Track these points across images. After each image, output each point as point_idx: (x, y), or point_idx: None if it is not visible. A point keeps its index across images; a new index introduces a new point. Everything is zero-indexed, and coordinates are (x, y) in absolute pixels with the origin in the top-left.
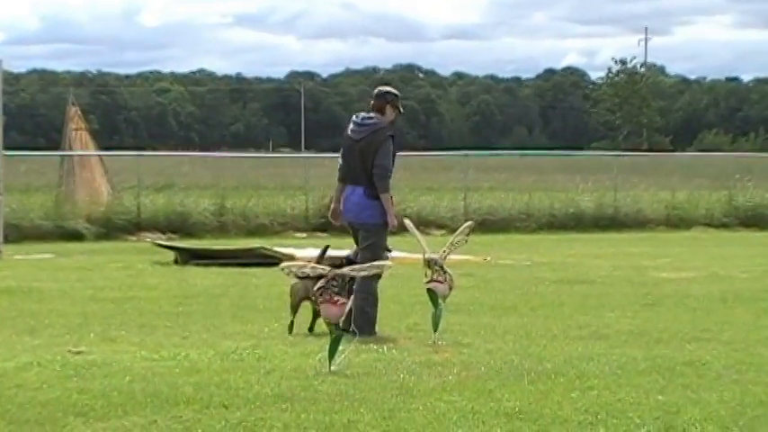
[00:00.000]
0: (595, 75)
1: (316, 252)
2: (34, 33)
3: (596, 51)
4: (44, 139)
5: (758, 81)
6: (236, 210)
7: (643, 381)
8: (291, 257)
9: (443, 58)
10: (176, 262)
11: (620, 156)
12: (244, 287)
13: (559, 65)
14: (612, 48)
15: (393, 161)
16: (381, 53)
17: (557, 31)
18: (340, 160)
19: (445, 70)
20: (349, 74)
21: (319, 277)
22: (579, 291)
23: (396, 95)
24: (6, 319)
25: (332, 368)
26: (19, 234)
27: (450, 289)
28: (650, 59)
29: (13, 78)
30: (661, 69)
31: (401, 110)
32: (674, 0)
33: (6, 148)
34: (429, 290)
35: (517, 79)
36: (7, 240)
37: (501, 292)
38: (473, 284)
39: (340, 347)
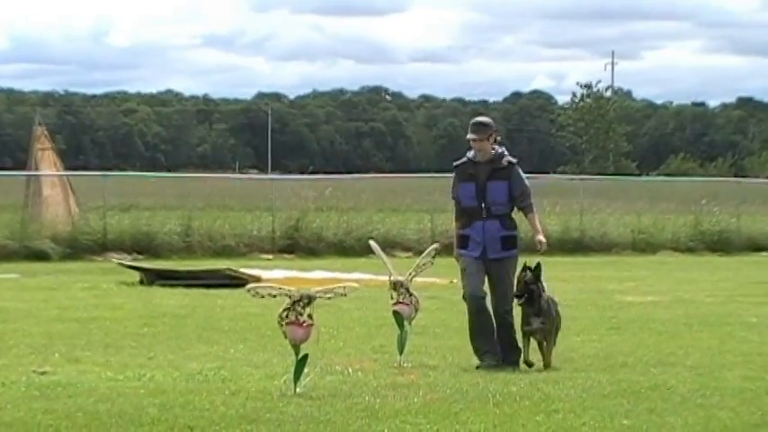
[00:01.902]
0: (563, 98)
1: (283, 273)
2: (2, 53)
3: (565, 75)
4: (10, 159)
5: (725, 106)
6: (203, 230)
7: (608, 404)
8: (258, 279)
9: (411, 80)
10: (142, 282)
11: (585, 179)
12: (209, 308)
13: (528, 88)
14: (581, 72)
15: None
16: (349, 75)
17: (525, 55)
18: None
19: (413, 93)
20: (316, 95)
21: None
22: None
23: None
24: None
25: (297, 390)
26: None
27: (416, 311)
28: (617, 84)
29: None
30: (628, 94)
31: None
32: (643, 25)
33: None
34: (395, 312)
35: (484, 102)
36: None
37: (467, 315)
38: (439, 307)
39: (305, 369)
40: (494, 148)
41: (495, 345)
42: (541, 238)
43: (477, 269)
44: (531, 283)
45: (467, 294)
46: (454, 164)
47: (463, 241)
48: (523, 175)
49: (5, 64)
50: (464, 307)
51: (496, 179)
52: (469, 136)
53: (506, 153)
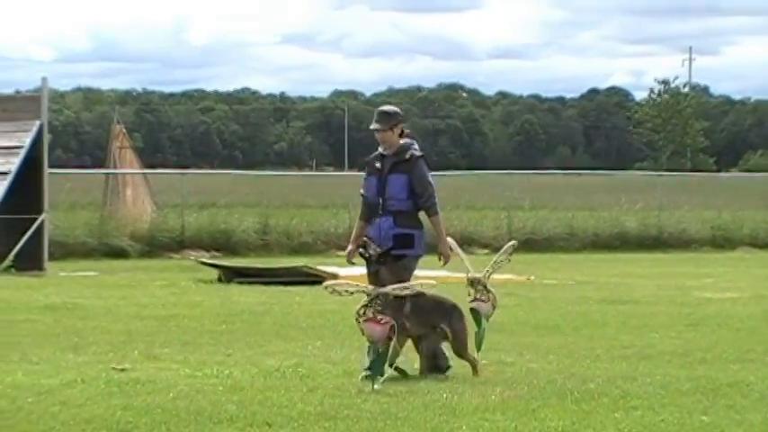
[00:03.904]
0: (641, 95)
1: (359, 271)
2: (82, 52)
3: (643, 71)
4: (89, 157)
5: None
6: (280, 228)
7: (686, 401)
8: (335, 276)
9: (488, 77)
10: (220, 280)
11: (663, 176)
12: (287, 305)
13: (605, 84)
14: (659, 67)
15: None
16: (426, 72)
17: (603, 51)
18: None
19: (489, 90)
20: (392, 93)
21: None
22: (623, 310)
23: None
24: (51, 336)
25: (375, 386)
26: (64, 251)
27: (494, 308)
28: (695, 80)
29: (58, 96)
30: (705, 89)
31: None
32: (721, 20)
33: (52, 165)
34: (472, 309)
35: (561, 99)
36: (52, 257)
37: (544, 312)
38: (516, 304)
39: (383, 366)
40: (402, 140)
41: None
42: (444, 249)
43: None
44: (383, 255)
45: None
46: (365, 159)
47: (365, 243)
48: (428, 172)
49: (85, 63)
50: (543, 303)
51: (397, 172)
52: (372, 126)
53: (414, 146)
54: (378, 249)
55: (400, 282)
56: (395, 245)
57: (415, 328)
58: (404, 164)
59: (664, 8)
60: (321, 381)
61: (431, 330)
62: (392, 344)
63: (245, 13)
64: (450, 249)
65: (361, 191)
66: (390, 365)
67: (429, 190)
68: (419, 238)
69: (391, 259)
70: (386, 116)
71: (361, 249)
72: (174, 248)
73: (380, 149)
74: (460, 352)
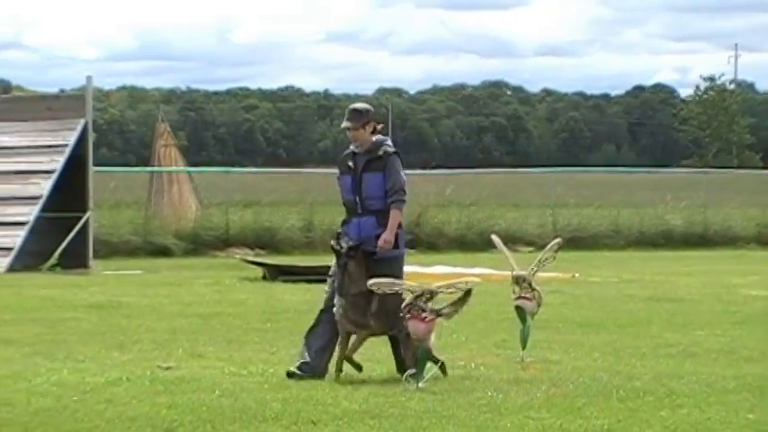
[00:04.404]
0: (686, 92)
1: (404, 268)
2: (127, 50)
3: (689, 68)
4: (133, 156)
5: None
6: (324, 226)
7: (733, 399)
8: None
9: (533, 74)
10: (264, 278)
11: (709, 173)
12: None
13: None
14: (705, 64)
15: None
16: (471, 70)
17: (649, 48)
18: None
19: (534, 87)
20: (436, 90)
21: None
22: (668, 308)
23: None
24: (96, 335)
25: (420, 385)
26: (108, 250)
27: (539, 306)
28: (741, 76)
29: (103, 95)
30: (751, 86)
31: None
32: None
33: (96, 164)
34: (517, 307)
35: (606, 96)
36: (97, 256)
37: (589, 310)
38: (561, 301)
39: (428, 364)
40: (374, 138)
41: (320, 354)
42: (387, 237)
43: None
44: (353, 249)
45: (325, 303)
46: (339, 157)
47: (339, 234)
48: (400, 168)
49: (129, 61)
50: (587, 301)
51: (372, 170)
52: (343, 124)
53: (387, 142)
54: (349, 243)
55: (364, 274)
56: (378, 251)
57: (378, 328)
58: (377, 161)
59: (709, 5)
60: (366, 379)
61: (395, 332)
62: (353, 340)
63: (289, 12)
64: (494, 247)
65: (340, 191)
66: (348, 360)
67: (398, 186)
68: (401, 237)
69: (361, 254)
70: (357, 114)
71: (332, 242)
72: (218, 246)
73: (352, 147)
74: (406, 353)
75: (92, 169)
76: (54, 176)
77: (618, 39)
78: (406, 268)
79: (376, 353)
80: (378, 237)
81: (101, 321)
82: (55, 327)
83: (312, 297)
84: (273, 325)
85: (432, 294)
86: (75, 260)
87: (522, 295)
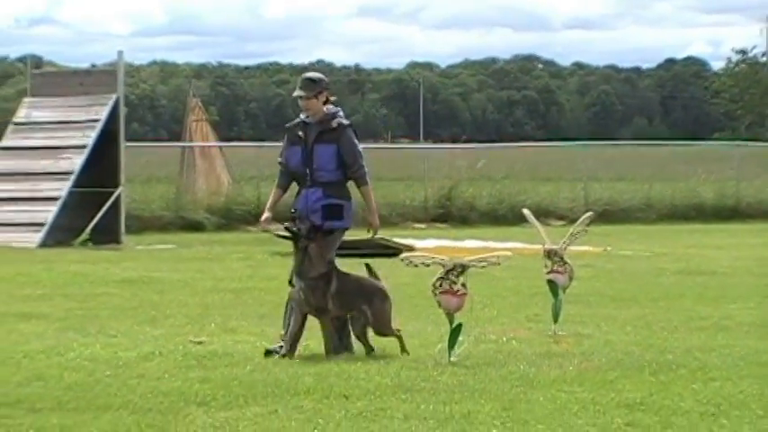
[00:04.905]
0: (718, 65)
1: (435, 243)
2: (158, 25)
3: (721, 41)
4: (165, 131)
5: None
6: (356, 199)
7: (765, 372)
8: (411, 248)
9: (564, 48)
10: None
11: (741, 146)
12: None
13: (682, 54)
14: (738, 37)
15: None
16: (503, 44)
17: (681, 21)
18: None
19: (565, 60)
20: (467, 64)
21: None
22: (700, 282)
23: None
24: (128, 310)
25: (451, 359)
26: (140, 225)
27: (571, 280)
28: None
29: (134, 70)
30: None
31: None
32: None
33: (128, 139)
34: (549, 281)
35: (637, 69)
36: (129, 231)
37: (621, 283)
38: (593, 275)
39: (460, 338)
40: (326, 108)
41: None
42: (374, 219)
43: None
44: (313, 231)
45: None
46: (286, 125)
47: (292, 215)
48: (356, 140)
49: (160, 36)
50: (619, 275)
51: (324, 142)
52: (296, 93)
53: (340, 114)
54: (306, 224)
55: (324, 255)
56: (324, 215)
57: (336, 310)
58: (330, 133)
59: None
60: (398, 353)
61: (354, 312)
62: (328, 329)
63: None
64: (526, 221)
65: (280, 159)
66: (333, 350)
67: (359, 160)
68: (348, 209)
69: (321, 235)
70: (310, 83)
71: (287, 224)
72: (250, 221)
73: (302, 116)
74: (383, 331)
75: (123, 144)
76: (86, 152)
77: (649, 11)
78: (438, 242)
79: (409, 327)
80: (324, 207)
81: (133, 296)
82: (87, 302)
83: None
84: None
85: (463, 268)
86: (106, 235)
87: (554, 269)
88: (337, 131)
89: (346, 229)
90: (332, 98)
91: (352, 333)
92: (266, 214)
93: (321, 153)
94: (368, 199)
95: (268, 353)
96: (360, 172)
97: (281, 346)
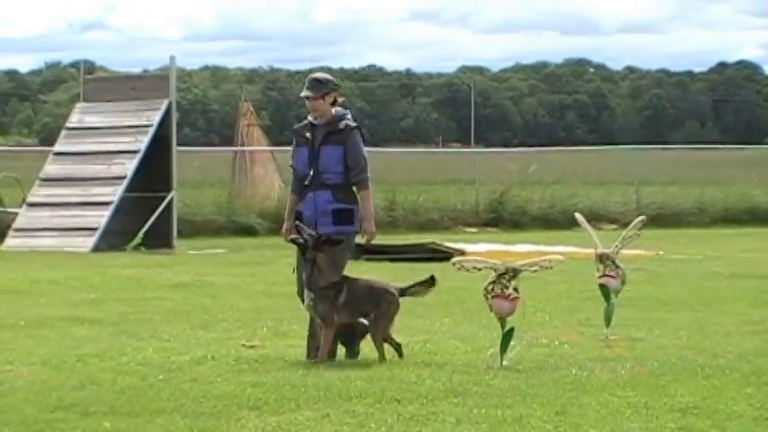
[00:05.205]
0: None
1: (487, 247)
2: (210, 31)
3: None
4: (216, 135)
5: None
6: (407, 205)
7: None
8: (462, 252)
9: (617, 52)
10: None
11: None
12: None
13: (734, 58)
14: None
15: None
16: (553, 47)
17: (733, 24)
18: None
19: (617, 64)
20: (519, 68)
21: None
22: (753, 286)
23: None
24: (180, 314)
25: (503, 363)
26: (192, 229)
27: (623, 284)
28: None
29: (185, 75)
30: None
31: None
32: None
33: (179, 144)
34: (601, 285)
35: (689, 73)
36: (181, 235)
37: (673, 287)
38: (645, 279)
39: (512, 342)
40: (334, 110)
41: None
42: (369, 225)
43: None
44: (320, 241)
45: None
46: (294, 127)
47: (297, 218)
48: (362, 144)
49: (212, 41)
50: (672, 279)
51: (330, 144)
52: (303, 93)
53: (348, 116)
54: (313, 234)
55: (335, 263)
56: (334, 220)
57: (346, 318)
58: (338, 134)
59: None
60: (449, 357)
61: (360, 317)
62: (330, 336)
63: None
64: (578, 225)
65: (291, 163)
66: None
67: (362, 163)
68: (357, 213)
69: (328, 245)
70: (317, 83)
71: (293, 235)
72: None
73: (310, 118)
74: (374, 333)
75: (175, 149)
76: (138, 156)
77: (701, 15)
78: (490, 246)
79: (460, 331)
80: (334, 211)
81: (185, 300)
82: (140, 306)
83: (395, 276)
84: None
85: (515, 272)
86: (159, 240)
87: (606, 273)
88: (344, 133)
89: (357, 233)
90: (340, 99)
91: (371, 338)
92: (287, 224)
93: (328, 155)
94: (366, 203)
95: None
96: (361, 176)
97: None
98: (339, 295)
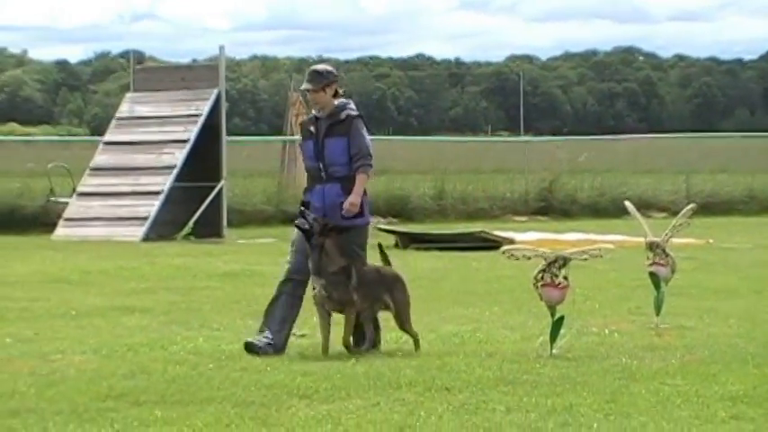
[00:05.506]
0: None
1: (536, 235)
2: (259, 20)
3: None
4: (266, 125)
5: None
6: (456, 194)
7: None
8: (511, 241)
9: (665, 40)
10: (397, 246)
11: None
12: (464, 271)
13: None
14: None
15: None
16: (603, 36)
17: None
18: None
19: (666, 52)
20: (567, 57)
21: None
22: None
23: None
24: (231, 303)
25: (553, 351)
26: (242, 218)
27: (673, 272)
28: None
29: (235, 65)
30: None
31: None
32: None
33: (229, 133)
34: (651, 273)
35: (739, 61)
36: (230, 225)
37: (723, 276)
38: (695, 267)
39: (561, 331)
40: (336, 101)
41: (281, 326)
42: (352, 200)
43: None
44: (327, 227)
45: (286, 274)
46: (300, 122)
47: (303, 205)
48: (365, 132)
49: (261, 31)
50: (722, 267)
51: (334, 135)
52: (303, 87)
53: (350, 105)
54: (319, 220)
55: (345, 253)
56: (344, 214)
57: (362, 302)
58: (340, 125)
59: None
60: (499, 346)
61: (374, 302)
62: (350, 323)
63: None
64: (628, 213)
65: (302, 157)
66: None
67: (364, 151)
68: (366, 205)
69: (335, 232)
70: (317, 75)
71: (297, 222)
72: None
73: (314, 111)
74: (403, 325)
75: (225, 139)
76: (188, 146)
77: (751, 2)
78: (539, 235)
79: (510, 320)
80: (342, 204)
81: (235, 290)
82: (190, 295)
83: (445, 265)
84: None
85: (565, 261)
86: (208, 229)
87: (656, 261)
88: (346, 123)
89: (369, 223)
90: (341, 90)
91: (401, 330)
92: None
93: (332, 147)
94: (358, 184)
95: (248, 348)
96: (361, 162)
97: (262, 348)
98: (350, 278)
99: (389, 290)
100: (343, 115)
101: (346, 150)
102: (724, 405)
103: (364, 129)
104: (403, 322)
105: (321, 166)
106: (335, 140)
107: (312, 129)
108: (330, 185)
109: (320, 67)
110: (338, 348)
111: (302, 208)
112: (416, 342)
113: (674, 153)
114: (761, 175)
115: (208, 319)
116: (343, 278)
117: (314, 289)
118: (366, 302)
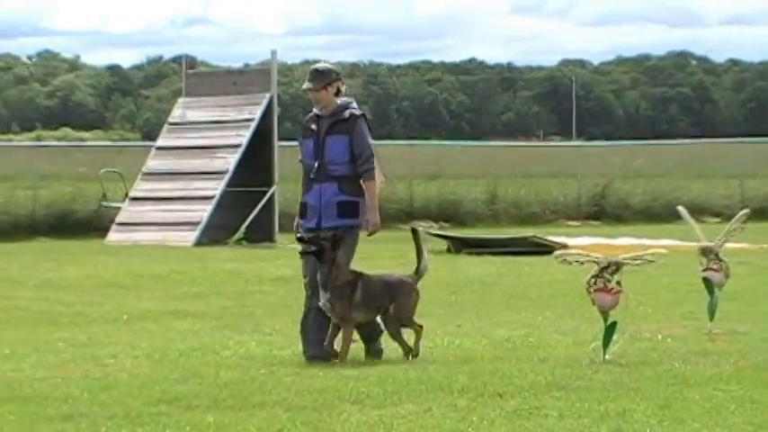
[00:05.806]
0: None
1: (589, 240)
2: (310, 25)
3: None
4: None
5: None
6: (508, 198)
7: None
8: (564, 246)
9: (719, 44)
10: (449, 251)
11: None
12: (516, 276)
13: None
14: None
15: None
16: (656, 40)
17: None
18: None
19: (720, 57)
20: (620, 61)
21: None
22: None
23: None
24: (282, 308)
25: (606, 357)
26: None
27: (726, 277)
28: None
29: (287, 69)
30: None
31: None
32: None
33: (281, 138)
34: (704, 278)
35: None
36: (283, 230)
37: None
38: (749, 272)
39: (614, 336)
40: (338, 100)
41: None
42: (373, 217)
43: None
44: (325, 240)
45: (306, 289)
46: (301, 120)
47: (302, 209)
48: (368, 133)
49: (313, 36)
50: None
51: (335, 133)
52: (304, 86)
53: (353, 105)
54: (326, 237)
55: (347, 260)
56: (339, 213)
57: (364, 316)
58: (342, 124)
59: None
60: (552, 351)
61: (379, 313)
62: (348, 337)
63: None
64: (681, 218)
65: (300, 158)
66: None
67: (367, 152)
68: (362, 207)
69: (340, 238)
70: (318, 74)
71: (304, 247)
72: (402, 219)
73: (315, 110)
74: (402, 321)
75: (277, 143)
76: (240, 151)
77: None
78: (592, 240)
79: (562, 325)
80: (339, 204)
81: (287, 294)
82: (242, 300)
83: (497, 269)
84: (458, 297)
85: (618, 266)
86: (261, 234)
87: (710, 267)
88: (349, 122)
89: (360, 226)
90: (343, 89)
91: (387, 333)
92: (296, 222)
93: (333, 145)
94: (370, 195)
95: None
96: (366, 165)
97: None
98: (354, 293)
99: (394, 297)
100: (346, 114)
101: (348, 149)
102: None
103: (367, 129)
104: (401, 319)
105: (318, 164)
106: (337, 138)
107: (313, 127)
108: (327, 184)
109: (321, 66)
110: (386, 354)
111: (298, 234)
112: (406, 352)
113: (727, 158)
114: None
115: (260, 324)
116: (348, 292)
117: (320, 300)
118: (371, 315)
